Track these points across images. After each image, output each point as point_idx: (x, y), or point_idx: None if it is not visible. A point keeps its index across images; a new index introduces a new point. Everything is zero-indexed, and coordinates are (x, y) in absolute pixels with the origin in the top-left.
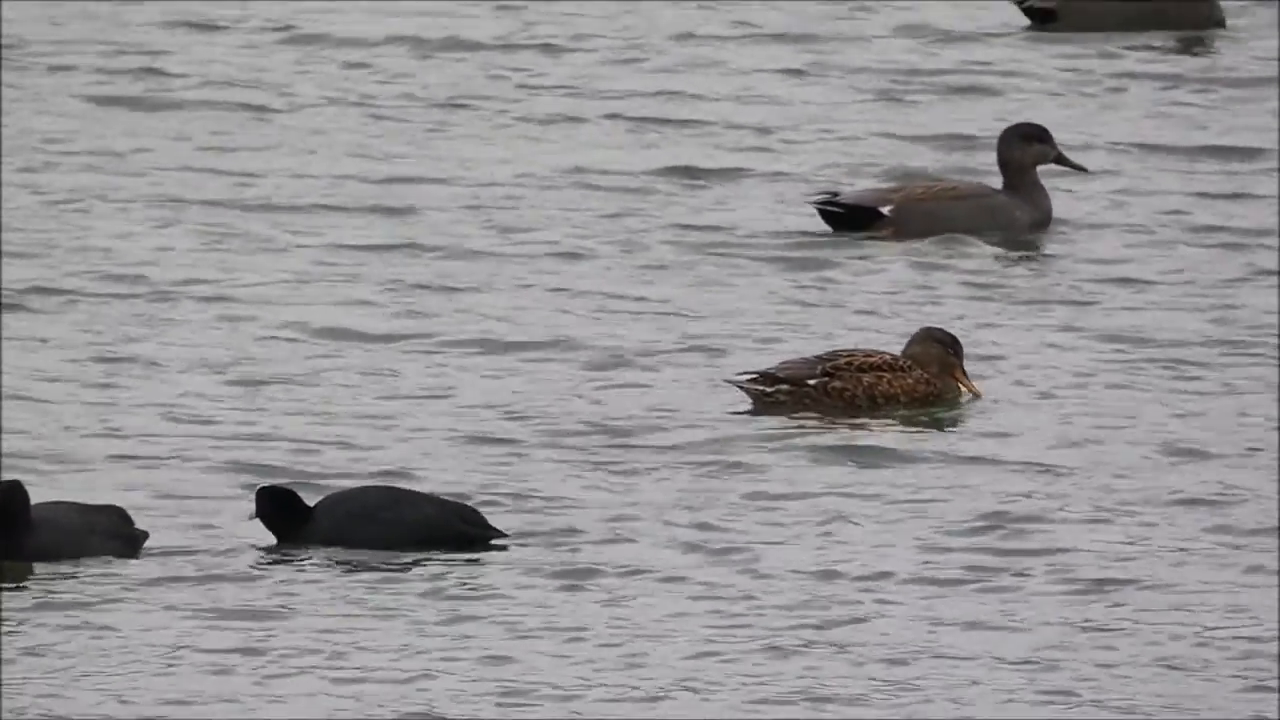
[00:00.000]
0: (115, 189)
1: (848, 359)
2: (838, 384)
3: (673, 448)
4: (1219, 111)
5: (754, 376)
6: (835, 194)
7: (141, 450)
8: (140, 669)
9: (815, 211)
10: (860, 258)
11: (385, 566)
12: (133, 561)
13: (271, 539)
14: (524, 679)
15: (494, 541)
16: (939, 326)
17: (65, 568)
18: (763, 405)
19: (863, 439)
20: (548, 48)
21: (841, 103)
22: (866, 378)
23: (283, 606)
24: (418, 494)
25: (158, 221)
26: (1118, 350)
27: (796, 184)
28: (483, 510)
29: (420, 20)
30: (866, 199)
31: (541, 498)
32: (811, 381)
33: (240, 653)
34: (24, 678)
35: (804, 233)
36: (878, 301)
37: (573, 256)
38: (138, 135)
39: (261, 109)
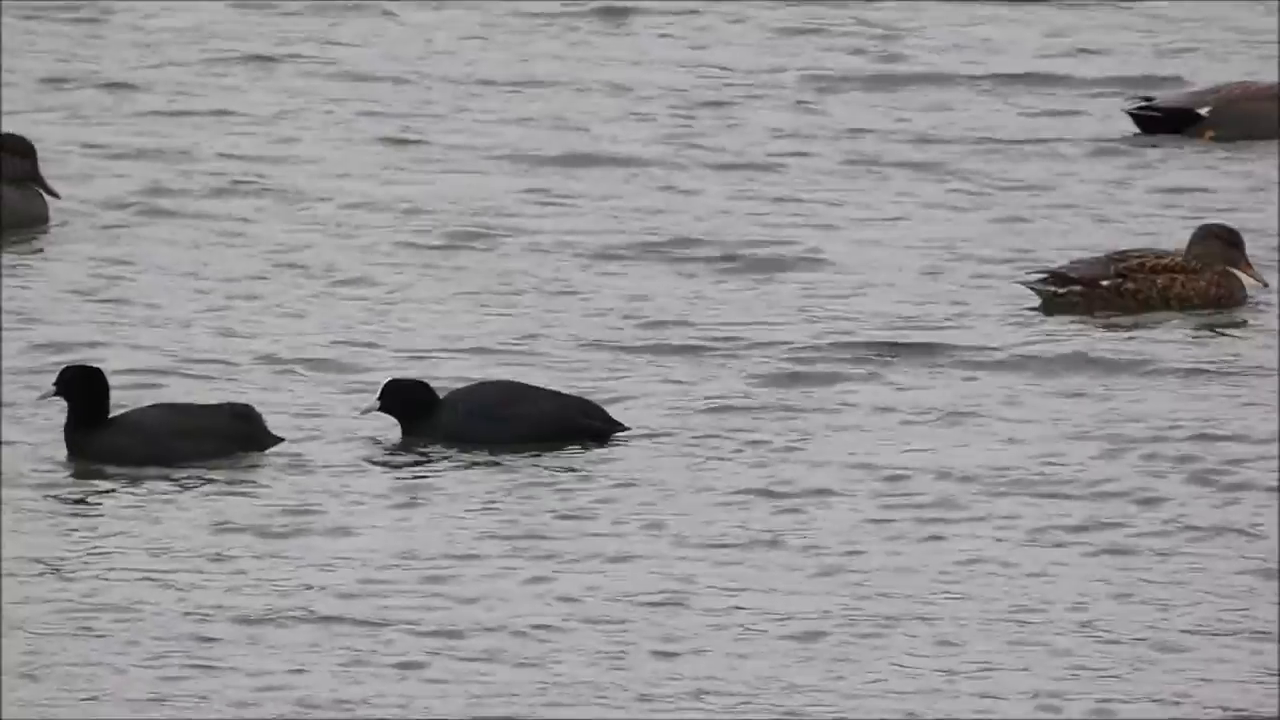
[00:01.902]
0: (252, 96)
1: (1139, 259)
2: (1131, 285)
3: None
4: None
5: (1045, 276)
6: (1150, 98)
7: (279, 357)
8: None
9: (1129, 116)
10: (1167, 158)
11: (503, 462)
12: (245, 459)
13: (397, 434)
14: (632, 581)
15: (616, 435)
16: (1217, 222)
17: (166, 468)
18: (1053, 306)
19: (1107, 345)
20: None
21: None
22: (1160, 279)
23: (409, 501)
24: (538, 389)
25: (296, 133)
26: None
27: (1085, 92)
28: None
29: None
30: (1183, 101)
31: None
32: (1105, 283)
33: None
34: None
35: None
36: (1183, 201)
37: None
38: (290, 41)
39: (399, 18)
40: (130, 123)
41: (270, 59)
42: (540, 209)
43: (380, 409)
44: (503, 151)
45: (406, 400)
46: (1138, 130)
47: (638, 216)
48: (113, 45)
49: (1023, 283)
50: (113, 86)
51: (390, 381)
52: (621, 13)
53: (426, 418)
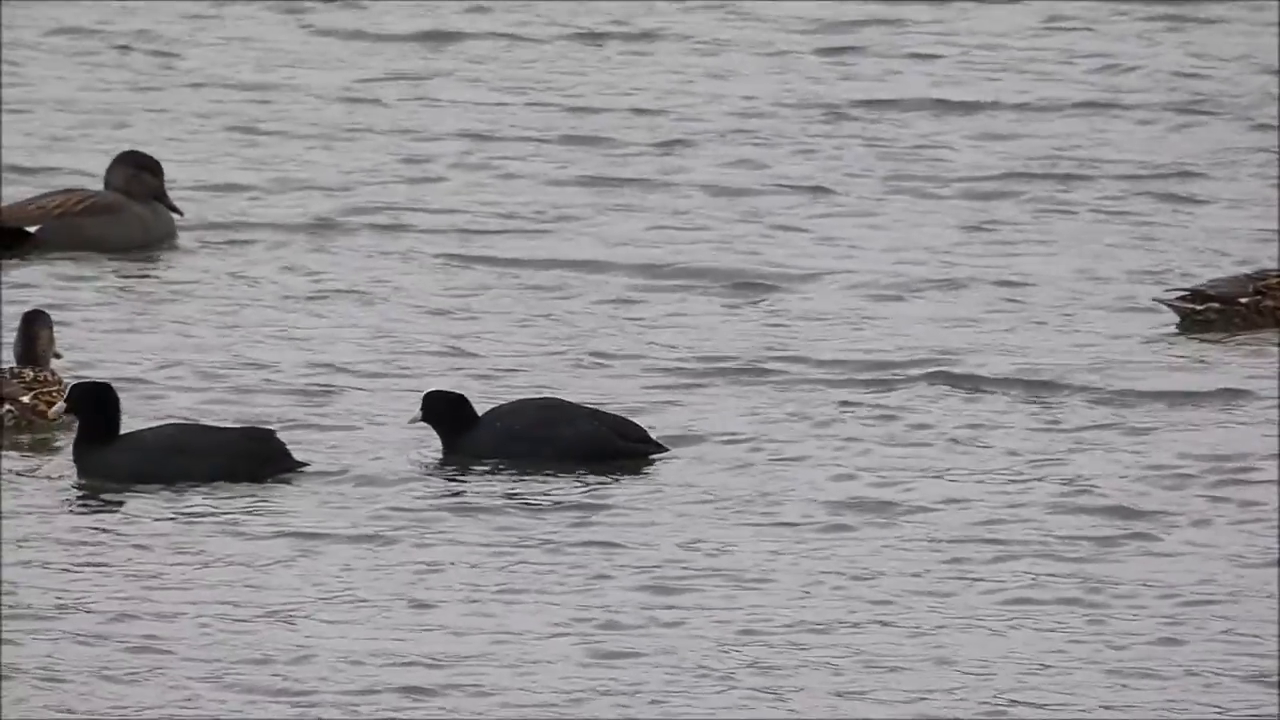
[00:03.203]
0: (305, 120)
1: (1278, 277)
2: (1269, 303)
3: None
4: None
5: (1184, 294)
6: None
7: (333, 378)
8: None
9: None
10: None
11: (537, 485)
12: (263, 480)
13: (438, 452)
14: (670, 603)
15: (654, 456)
16: None
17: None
18: (1191, 323)
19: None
20: None
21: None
22: None
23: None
24: (578, 408)
25: (355, 150)
26: None
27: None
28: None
29: None
30: None
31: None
32: (1243, 300)
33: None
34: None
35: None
36: None
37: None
38: (328, 64)
39: (462, 37)
40: (196, 146)
41: (343, 86)
42: (594, 232)
43: (422, 419)
44: (563, 175)
45: (443, 412)
46: None
47: (715, 241)
48: (171, 75)
49: (1161, 300)
50: (168, 111)
51: (430, 392)
52: (659, 37)
53: (464, 432)
